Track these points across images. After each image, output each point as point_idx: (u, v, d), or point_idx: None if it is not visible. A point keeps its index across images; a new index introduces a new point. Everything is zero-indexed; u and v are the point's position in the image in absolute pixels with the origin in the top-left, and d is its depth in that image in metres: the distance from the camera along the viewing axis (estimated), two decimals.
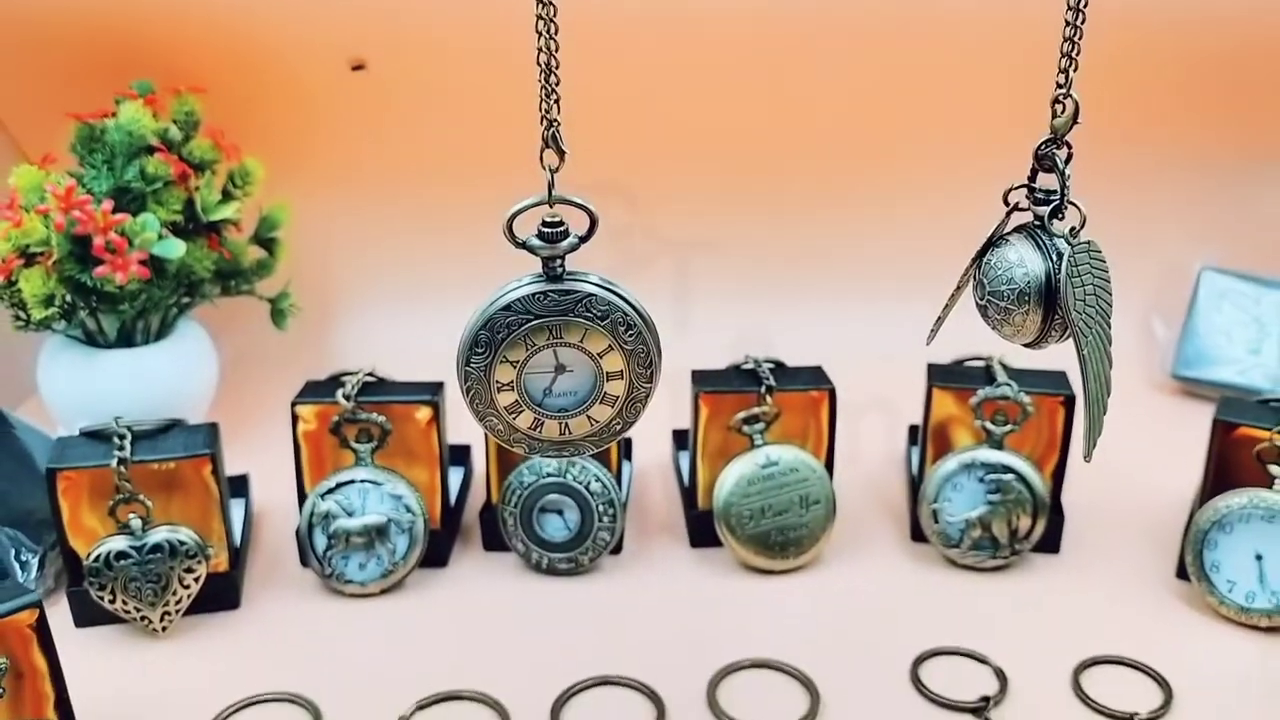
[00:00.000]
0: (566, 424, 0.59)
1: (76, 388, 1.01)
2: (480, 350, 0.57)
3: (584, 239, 0.57)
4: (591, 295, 0.56)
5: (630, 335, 0.57)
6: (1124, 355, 1.32)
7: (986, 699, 0.78)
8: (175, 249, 0.95)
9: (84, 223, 0.91)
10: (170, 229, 0.98)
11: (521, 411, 0.58)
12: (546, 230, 0.56)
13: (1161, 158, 1.32)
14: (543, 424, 0.59)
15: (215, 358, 1.09)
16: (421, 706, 0.78)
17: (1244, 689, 0.80)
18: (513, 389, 0.58)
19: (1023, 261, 0.60)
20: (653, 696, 0.79)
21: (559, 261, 0.57)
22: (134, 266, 0.92)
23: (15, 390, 0.99)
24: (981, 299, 0.62)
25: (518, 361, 0.57)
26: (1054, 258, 0.59)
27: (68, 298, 0.94)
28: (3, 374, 1.07)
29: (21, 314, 0.96)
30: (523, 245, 0.56)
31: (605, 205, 0.57)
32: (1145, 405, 1.21)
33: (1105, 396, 0.60)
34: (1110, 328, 0.61)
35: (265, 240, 1.10)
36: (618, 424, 0.59)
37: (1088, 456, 0.60)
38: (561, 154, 0.56)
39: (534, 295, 0.56)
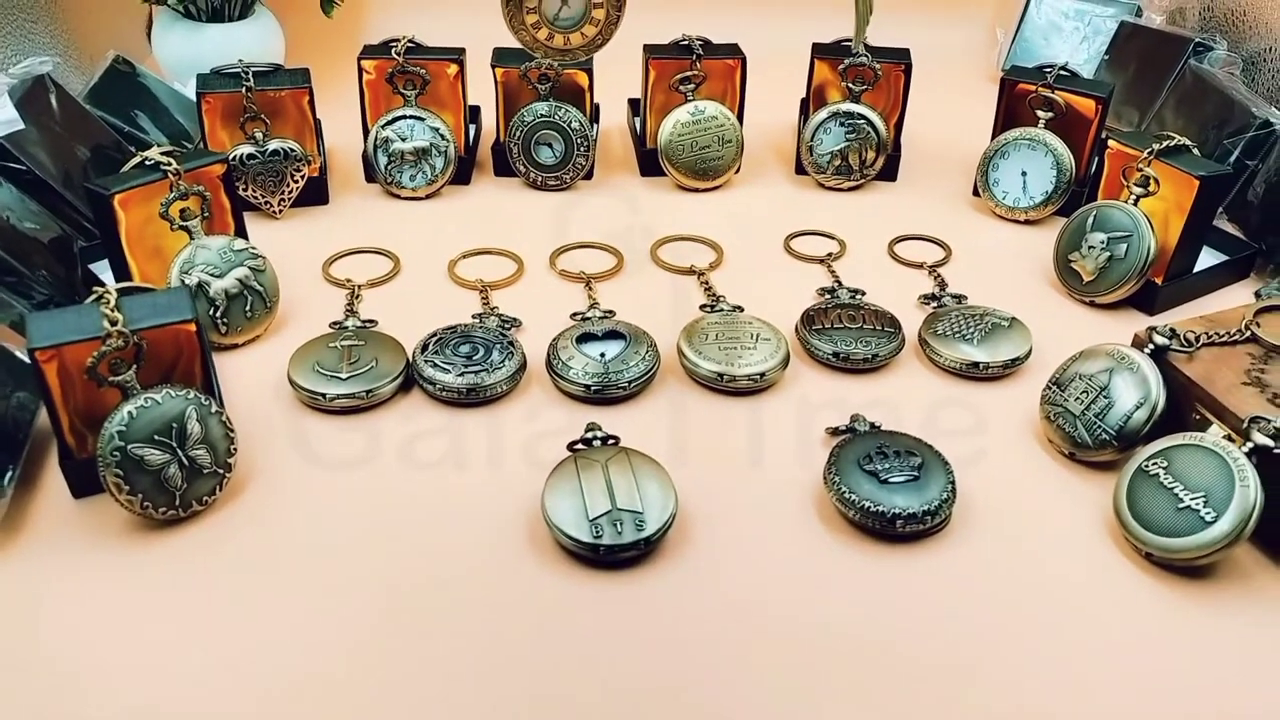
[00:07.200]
0: (568, 37, 0.96)
1: (183, 51, 1.35)
2: None
3: None
4: None
5: None
6: (970, 58, 1.73)
7: (830, 253, 1.20)
8: None
9: None
10: None
11: (541, 28, 0.96)
12: None
13: None
14: (553, 37, 0.96)
15: (282, 34, 1.43)
16: (465, 256, 1.18)
17: (1000, 251, 1.23)
18: (535, 11, 0.95)
19: None
20: (615, 252, 1.20)
21: None
22: None
23: (133, 55, 1.33)
24: None
25: None
26: None
27: None
28: (126, 43, 1.41)
29: None
30: None
31: None
32: (978, 92, 1.61)
33: (869, 13, 0.97)
34: None
35: None
36: (599, 39, 0.97)
37: (856, 47, 0.99)
38: None
39: None
